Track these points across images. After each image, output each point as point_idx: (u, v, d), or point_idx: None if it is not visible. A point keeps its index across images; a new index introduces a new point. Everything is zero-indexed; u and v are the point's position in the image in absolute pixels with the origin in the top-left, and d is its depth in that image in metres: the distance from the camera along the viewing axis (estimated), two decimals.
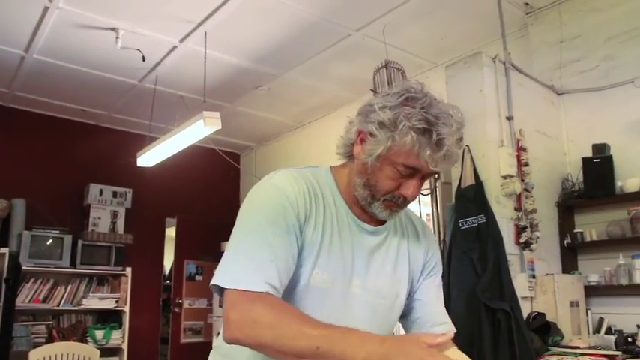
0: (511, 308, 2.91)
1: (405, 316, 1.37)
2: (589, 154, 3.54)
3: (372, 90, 3.22)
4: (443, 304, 1.40)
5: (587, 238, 3.51)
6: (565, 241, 3.56)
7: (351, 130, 1.22)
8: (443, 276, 3.04)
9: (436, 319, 1.33)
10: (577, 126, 3.80)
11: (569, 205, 3.63)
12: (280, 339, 1.01)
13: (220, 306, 1.14)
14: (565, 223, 3.61)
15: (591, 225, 3.56)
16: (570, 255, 3.62)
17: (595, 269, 3.51)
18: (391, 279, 1.29)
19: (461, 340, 2.79)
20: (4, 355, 4.70)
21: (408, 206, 1.30)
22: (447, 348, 1.10)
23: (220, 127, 3.96)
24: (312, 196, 1.20)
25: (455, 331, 1.30)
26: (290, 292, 1.16)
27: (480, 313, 2.92)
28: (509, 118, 3.35)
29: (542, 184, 3.50)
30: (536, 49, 4.04)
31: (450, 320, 1.35)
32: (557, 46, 3.94)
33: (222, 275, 1.10)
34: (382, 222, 1.28)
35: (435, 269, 1.39)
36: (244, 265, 1.09)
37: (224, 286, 1.08)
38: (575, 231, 3.57)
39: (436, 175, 1.16)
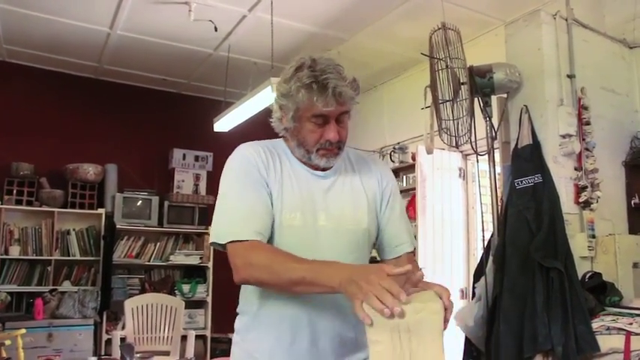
0: (565, 267, 2.92)
1: (377, 245, 1.62)
2: None
3: (424, 54, 3.24)
4: (405, 224, 1.63)
5: None
6: (632, 201, 3.47)
7: (275, 110, 1.49)
8: (499, 234, 3.11)
9: (399, 240, 1.58)
10: None
11: (638, 163, 3.51)
12: (275, 274, 1.29)
13: None
14: (633, 183, 3.50)
15: None
16: (638, 215, 3.52)
17: None
18: (351, 209, 1.52)
19: (515, 297, 2.86)
20: (105, 303, 5.24)
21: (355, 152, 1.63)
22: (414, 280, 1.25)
23: None
24: (269, 155, 1.49)
25: (413, 247, 1.61)
26: (276, 232, 1.42)
27: (534, 271, 2.95)
28: (571, 76, 3.27)
29: (608, 143, 3.41)
30: (609, 2, 3.85)
31: (410, 239, 1.60)
32: None
33: (217, 233, 1.39)
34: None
35: (393, 195, 1.62)
36: (231, 221, 1.38)
37: (222, 242, 1.37)
38: None
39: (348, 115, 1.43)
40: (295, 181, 1.48)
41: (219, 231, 1.39)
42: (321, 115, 1.39)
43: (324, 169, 1.52)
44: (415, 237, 3.13)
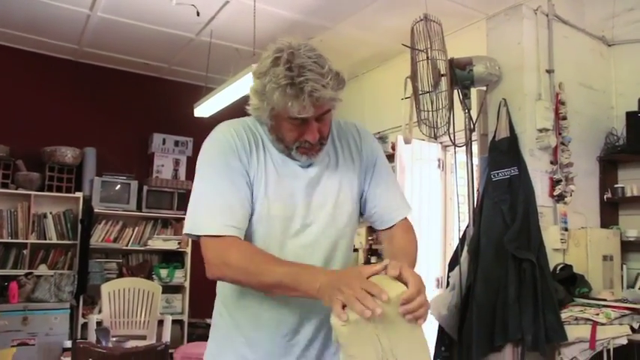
0: (537, 259, 2.99)
1: (369, 217, 1.55)
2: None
3: (405, 45, 3.27)
4: (395, 191, 1.55)
5: (629, 194, 3.48)
6: (605, 196, 3.55)
7: (252, 99, 1.35)
8: (475, 225, 3.15)
9: (390, 210, 1.51)
10: (628, 79, 3.71)
11: (612, 159, 3.59)
12: (251, 277, 1.24)
13: None
14: (607, 178, 3.58)
15: (634, 180, 3.52)
16: (611, 210, 3.60)
17: (635, 225, 3.50)
18: (336, 196, 1.44)
19: (488, 287, 2.91)
20: (82, 287, 5.21)
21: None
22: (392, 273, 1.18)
23: None
24: (252, 138, 1.39)
25: (407, 213, 1.53)
26: (255, 222, 1.36)
27: (507, 262, 3.02)
28: (550, 71, 3.32)
29: (583, 138, 3.48)
30: (589, 0, 3.91)
31: (401, 205, 1.53)
32: None
33: (192, 224, 1.31)
34: None
35: (378, 165, 1.53)
36: (207, 213, 1.30)
37: (196, 234, 1.30)
38: (617, 186, 3.54)
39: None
40: (279, 170, 1.39)
41: (194, 222, 1.31)
42: (299, 117, 1.28)
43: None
44: None
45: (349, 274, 1.14)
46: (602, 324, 2.73)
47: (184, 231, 1.34)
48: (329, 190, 1.43)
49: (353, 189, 1.48)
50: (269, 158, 1.39)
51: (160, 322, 4.80)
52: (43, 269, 5.19)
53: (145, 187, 5.71)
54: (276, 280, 1.20)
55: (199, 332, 5.66)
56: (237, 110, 5.74)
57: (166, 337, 4.60)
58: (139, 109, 5.91)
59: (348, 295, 1.07)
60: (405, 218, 1.54)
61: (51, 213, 5.34)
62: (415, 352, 1.16)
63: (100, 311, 4.82)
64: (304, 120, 1.28)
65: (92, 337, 4.22)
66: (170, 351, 3.30)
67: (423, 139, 4.34)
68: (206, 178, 1.34)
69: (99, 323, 4.45)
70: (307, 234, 1.39)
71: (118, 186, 5.60)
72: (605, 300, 2.99)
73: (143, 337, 4.61)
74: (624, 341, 2.72)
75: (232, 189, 1.31)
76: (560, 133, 3.29)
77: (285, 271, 1.20)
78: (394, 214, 1.51)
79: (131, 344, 3.53)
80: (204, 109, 4.97)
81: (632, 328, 2.76)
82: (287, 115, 1.26)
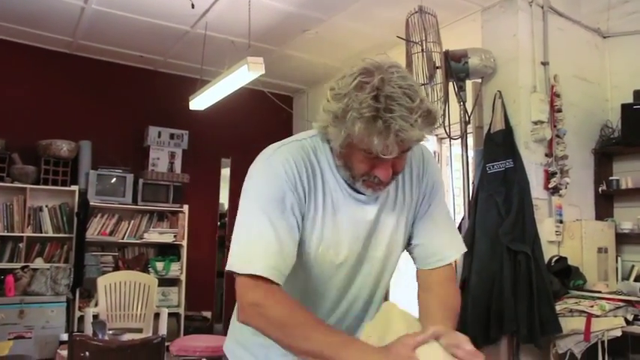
0: (532, 251, 3.00)
1: (410, 252, 1.39)
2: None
3: (400, 37, 3.26)
4: (447, 231, 1.38)
5: (623, 186, 3.49)
6: (600, 188, 3.56)
7: (322, 116, 1.18)
8: (470, 218, 3.16)
9: (436, 252, 1.34)
10: (622, 71, 3.71)
11: (607, 152, 3.59)
12: (288, 338, 1.11)
13: None
14: (601, 170, 3.59)
15: (628, 173, 3.53)
16: (605, 202, 3.61)
17: (630, 217, 3.50)
18: (393, 237, 1.31)
19: (482, 279, 2.92)
20: (78, 280, 5.21)
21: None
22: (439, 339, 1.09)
23: (264, 72, 4.10)
24: (311, 172, 1.22)
25: (457, 256, 1.36)
26: (303, 267, 1.24)
27: (502, 254, 3.04)
28: (545, 64, 3.32)
29: (578, 131, 3.48)
30: None
31: (451, 248, 1.35)
32: None
33: (234, 260, 1.17)
34: None
35: (432, 195, 1.36)
36: (252, 250, 1.15)
37: (239, 272, 1.15)
38: (612, 178, 3.54)
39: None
40: (336, 209, 1.24)
41: (237, 258, 1.17)
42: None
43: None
44: None
45: (396, 351, 1.03)
46: (597, 316, 2.75)
47: (227, 267, 1.19)
48: (385, 230, 1.30)
49: (408, 226, 1.35)
50: (328, 195, 1.24)
51: (157, 315, 4.81)
52: (39, 262, 5.19)
53: (141, 180, 5.69)
54: (317, 349, 1.07)
55: (196, 325, 5.68)
56: (233, 103, 5.69)
57: (163, 330, 4.61)
58: (134, 102, 5.89)
59: None
60: (450, 264, 1.36)
61: (47, 206, 5.32)
62: None
63: (96, 304, 4.82)
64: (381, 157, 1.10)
65: (89, 330, 4.23)
66: (166, 344, 3.31)
67: None
68: (256, 213, 1.18)
69: (95, 316, 4.45)
70: (352, 280, 1.30)
71: (114, 179, 5.58)
72: (599, 292, 3.01)
73: (139, 330, 4.62)
74: (618, 333, 2.73)
75: (285, 229, 1.17)
76: (555, 126, 3.30)
77: (330, 341, 1.07)
78: (441, 254, 1.34)
79: (127, 337, 3.53)
80: (199, 102, 4.95)
81: (626, 320, 2.78)
82: (363, 147, 1.10)
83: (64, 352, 2.82)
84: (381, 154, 1.08)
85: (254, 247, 1.15)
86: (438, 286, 1.32)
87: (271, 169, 1.20)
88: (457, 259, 1.39)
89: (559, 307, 2.91)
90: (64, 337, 4.55)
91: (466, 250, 1.41)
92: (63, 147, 5.26)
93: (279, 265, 1.14)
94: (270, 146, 1.26)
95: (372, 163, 1.14)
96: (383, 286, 1.37)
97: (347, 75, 1.12)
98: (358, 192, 1.23)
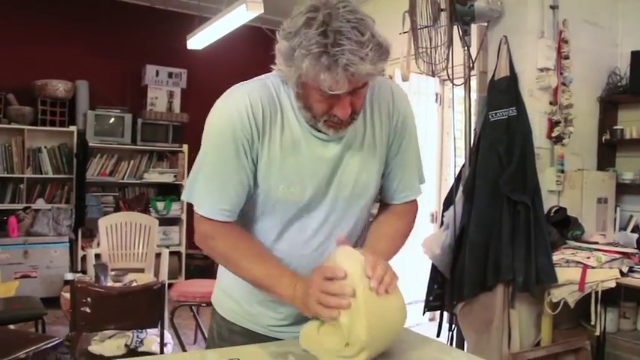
0: (532, 201, 2.99)
1: (382, 191, 1.42)
2: None
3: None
4: (415, 169, 1.41)
5: (627, 136, 3.44)
6: (604, 138, 3.50)
7: (278, 58, 1.16)
8: (470, 165, 3.12)
9: (404, 189, 1.39)
10: (636, 15, 3.56)
11: (613, 100, 3.51)
12: (232, 267, 1.29)
13: None
14: (606, 119, 3.52)
15: (633, 122, 3.46)
16: (608, 152, 3.56)
17: (632, 167, 3.47)
18: (360, 177, 1.30)
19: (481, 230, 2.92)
20: (80, 220, 5.26)
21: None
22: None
23: (262, 12, 3.97)
24: (270, 110, 1.22)
25: (414, 197, 1.41)
26: (267, 206, 1.28)
27: (502, 204, 3.02)
28: (554, 7, 3.19)
29: (585, 78, 3.39)
30: None
31: (413, 187, 1.40)
32: None
33: (189, 195, 1.29)
34: None
35: (405, 133, 1.36)
36: (203, 189, 1.26)
37: (193, 207, 1.29)
38: (616, 127, 3.48)
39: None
40: (298, 148, 1.24)
41: (191, 194, 1.28)
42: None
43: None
44: None
45: (309, 284, 1.13)
46: (593, 267, 2.76)
47: (182, 197, 1.34)
48: (350, 170, 1.28)
49: (380, 166, 1.34)
50: (288, 133, 1.23)
51: (158, 255, 4.87)
52: (40, 203, 5.23)
53: (140, 120, 5.64)
54: (254, 279, 1.25)
55: (197, 263, 5.78)
56: (230, 42, 5.50)
57: (164, 269, 4.67)
58: (131, 39, 5.73)
59: (311, 307, 1.11)
60: (414, 200, 1.42)
61: (45, 147, 5.31)
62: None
63: (98, 245, 4.88)
64: (337, 94, 1.10)
65: (91, 271, 4.29)
66: (167, 282, 3.37)
67: (421, 74, 4.25)
68: (207, 154, 1.25)
69: (97, 256, 4.51)
70: (320, 218, 1.30)
71: (112, 119, 5.54)
72: (597, 243, 3.01)
73: (141, 270, 4.68)
74: (612, 284, 2.76)
75: (233, 170, 1.22)
76: (561, 73, 3.20)
77: (264, 273, 1.23)
78: (410, 190, 1.39)
79: (130, 277, 3.59)
80: (197, 41, 4.82)
81: (621, 272, 2.80)
82: (317, 86, 1.08)
83: (68, 295, 2.87)
84: (330, 90, 1.07)
85: (203, 186, 1.25)
86: (397, 217, 1.40)
87: (225, 108, 1.23)
88: (415, 198, 1.43)
89: (556, 257, 2.92)
90: (69, 276, 4.65)
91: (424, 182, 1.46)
92: (59, 87, 5.18)
93: (225, 204, 1.24)
94: (235, 85, 1.29)
95: (330, 102, 1.14)
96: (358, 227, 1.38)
97: (295, 14, 1.10)
98: (320, 132, 1.23)
